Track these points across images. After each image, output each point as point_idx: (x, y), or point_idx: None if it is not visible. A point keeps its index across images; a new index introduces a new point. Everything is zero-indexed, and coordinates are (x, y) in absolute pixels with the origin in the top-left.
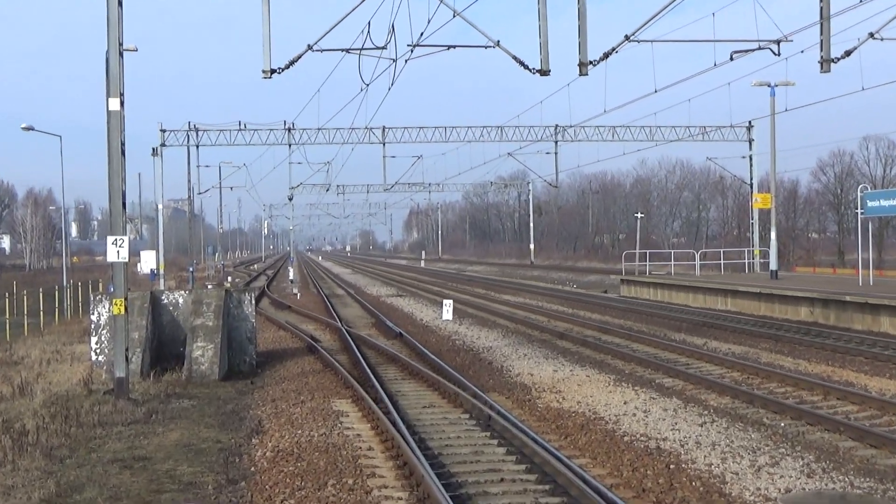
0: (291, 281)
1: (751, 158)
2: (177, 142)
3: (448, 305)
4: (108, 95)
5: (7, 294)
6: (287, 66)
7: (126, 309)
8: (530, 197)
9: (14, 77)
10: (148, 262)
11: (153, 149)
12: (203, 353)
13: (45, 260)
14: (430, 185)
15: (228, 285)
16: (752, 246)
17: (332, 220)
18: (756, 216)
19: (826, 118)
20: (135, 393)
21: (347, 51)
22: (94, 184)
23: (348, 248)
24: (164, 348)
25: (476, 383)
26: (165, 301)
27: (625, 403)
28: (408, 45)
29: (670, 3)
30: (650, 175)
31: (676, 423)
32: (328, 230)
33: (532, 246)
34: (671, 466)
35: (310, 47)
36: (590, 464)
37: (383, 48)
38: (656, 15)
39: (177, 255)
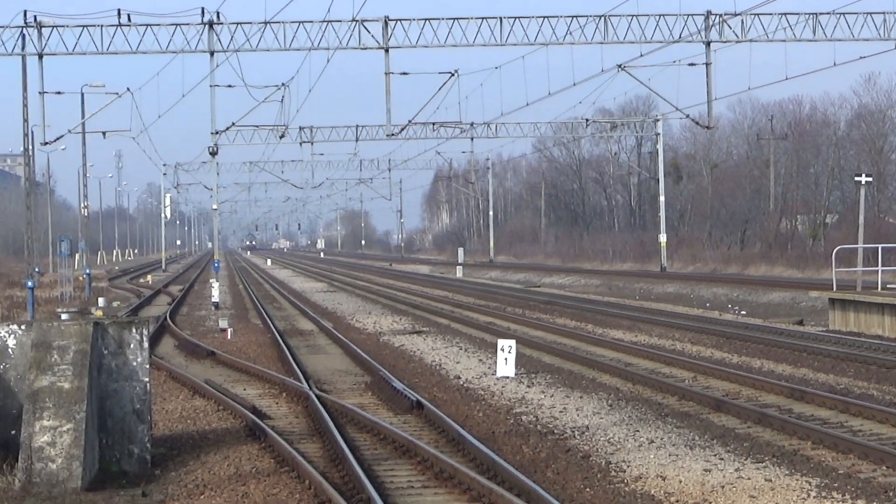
0: (216, 305)
1: None
2: (2, 47)
3: (507, 350)
4: None
5: None
6: None
7: None
8: (660, 147)
9: None
10: None
11: None
12: (53, 440)
13: None
14: (472, 125)
15: (100, 314)
16: None
17: (293, 193)
18: None
19: None
20: None
21: None
22: None
23: (321, 245)
24: None
25: (560, 494)
26: None
27: None
28: None
29: None
30: (884, 104)
31: None
32: (284, 211)
33: (663, 238)
34: None
35: None
36: None
37: None
38: None
39: (3, 258)
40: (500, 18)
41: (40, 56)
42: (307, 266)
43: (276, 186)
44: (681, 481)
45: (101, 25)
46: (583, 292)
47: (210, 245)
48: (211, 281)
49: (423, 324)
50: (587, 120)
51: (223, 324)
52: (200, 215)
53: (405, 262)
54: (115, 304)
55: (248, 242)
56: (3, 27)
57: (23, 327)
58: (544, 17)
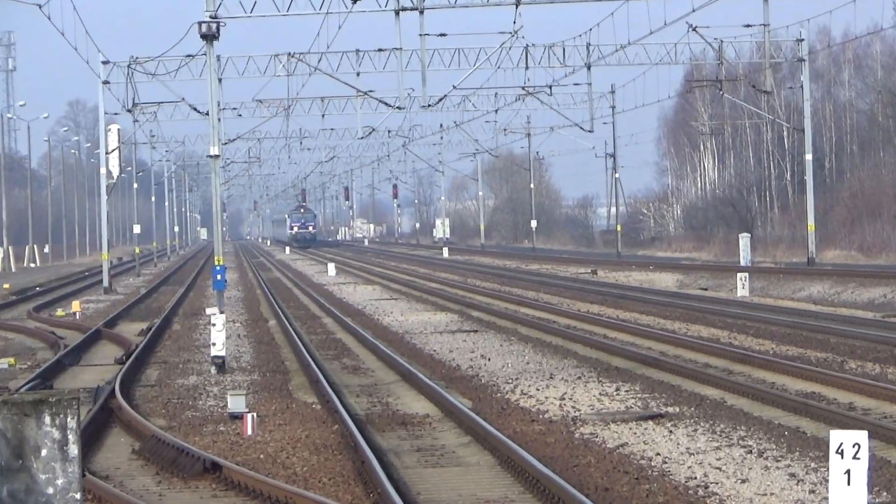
0: (220, 365)
1: None
2: None
3: (852, 455)
4: None
5: None
6: None
7: None
8: None
9: None
10: None
11: None
12: None
13: None
14: None
15: None
16: None
17: (380, 120)
18: None
19: None
20: None
21: None
22: None
23: (443, 233)
24: None
25: None
26: None
27: None
28: None
29: None
30: None
31: None
32: (362, 160)
33: None
34: None
35: None
36: None
37: None
38: None
39: None
40: None
41: None
42: (413, 277)
43: (342, 107)
44: None
45: None
46: None
47: (203, 236)
48: (209, 313)
49: (665, 398)
50: None
51: (236, 404)
52: (184, 170)
53: (624, 265)
54: (4, 362)
55: (293, 229)
56: None
57: None
58: None
